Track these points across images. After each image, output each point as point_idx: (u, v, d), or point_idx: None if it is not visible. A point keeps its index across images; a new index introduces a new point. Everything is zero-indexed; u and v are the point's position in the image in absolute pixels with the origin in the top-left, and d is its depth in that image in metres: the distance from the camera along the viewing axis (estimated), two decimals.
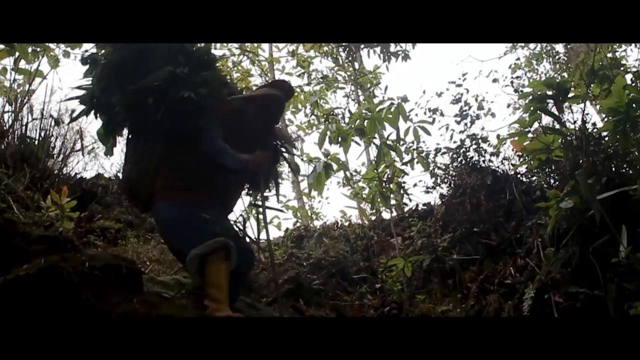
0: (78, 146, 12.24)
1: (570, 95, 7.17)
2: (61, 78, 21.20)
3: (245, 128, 5.78)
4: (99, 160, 14.45)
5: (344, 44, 17.19)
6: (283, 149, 6.81)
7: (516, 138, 7.87)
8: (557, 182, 7.95)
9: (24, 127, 11.24)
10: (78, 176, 12.27)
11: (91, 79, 5.80)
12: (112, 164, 23.02)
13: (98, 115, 5.80)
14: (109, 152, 6.23)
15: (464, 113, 10.48)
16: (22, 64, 10.72)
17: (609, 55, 10.80)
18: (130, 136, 5.92)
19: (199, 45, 5.76)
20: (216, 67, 6.03)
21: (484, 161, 10.00)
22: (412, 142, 10.97)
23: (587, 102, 7.82)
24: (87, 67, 5.88)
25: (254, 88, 6.94)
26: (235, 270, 5.42)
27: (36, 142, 11.25)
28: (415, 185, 11.82)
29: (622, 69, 9.59)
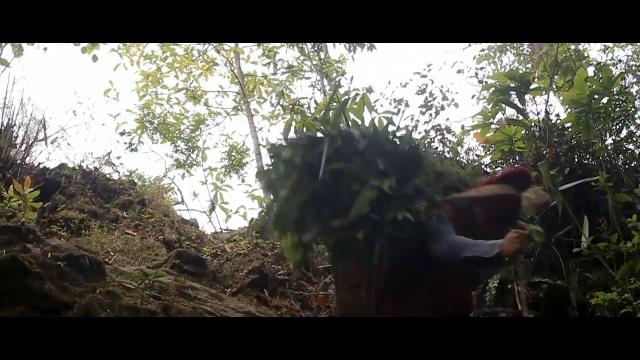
0: (41, 136, 12.12)
1: (533, 87, 7.23)
2: (24, 67, 21.02)
3: (472, 231, 4.39)
4: (63, 150, 14.35)
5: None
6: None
7: (479, 130, 7.92)
8: None
9: None
10: (41, 166, 12.15)
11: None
12: (76, 155, 22.89)
13: (282, 230, 4.92)
14: (297, 272, 5.54)
15: (429, 104, 10.53)
16: None
17: (572, 47, 10.91)
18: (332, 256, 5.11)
19: (397, 136, 4.79)
20: (425, 157, 4.80)
21: (449, 152, 10.05)
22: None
23: (552, 94, 7.89)
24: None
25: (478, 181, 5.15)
26: None
27: None
28: None
29: (584, 61, 9.69)
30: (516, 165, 8.11)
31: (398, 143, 4.75)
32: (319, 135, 4.88)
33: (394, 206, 4.31)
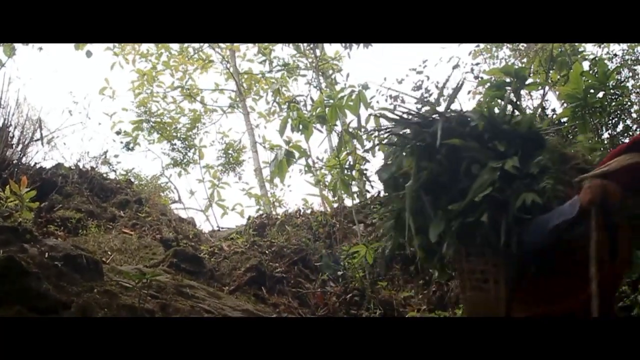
0: (37, 136, 12.11)
1: (529, 82, 7.24)
2: (19, 67, 21.00)
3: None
4: (59, 150, 14.32)
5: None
6: None
7: None
8: None
9: None
10: (38, 166, 12.14)
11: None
12: (72, 154, 22.85)
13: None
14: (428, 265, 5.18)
15: (425, 100, 10.53)
16: None
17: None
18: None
19: (513, 116, 4.60)
20: (548, 138, 4.55)
21: None
22: (374, 130, 10.99)
23: (548, 88, 7.89)
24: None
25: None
26: None
27: None
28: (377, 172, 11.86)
29: (579, 56, 9.70)
30: None
31: (517, 126, 4.51)
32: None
33: (517, 186, 4.09)
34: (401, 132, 4.76)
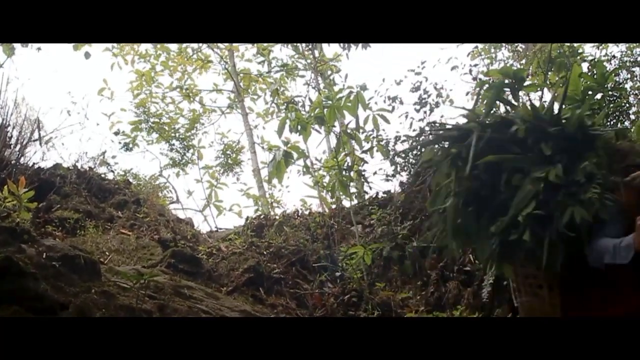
0: (35, 136, 12.10)
1: (527, 83, 7.23)
2: (17, 67, 20.96)
3: None
4: (57, 150, 14.30)
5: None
6: None
7: None
8: None
9: None
10: (36, 166, 12.12)
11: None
12: (70, 154, 22.83)
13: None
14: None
15: (423, 101, 10.54)
16: None
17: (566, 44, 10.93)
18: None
19: (560, 116, 4.32)
20: (599, 138, 4.20)
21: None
22: (372, 131, 11.00)
23: (546, 90, 7.89)
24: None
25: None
26: None
27: None
28: (375, 173, 11.92)
29: (578, 57, 9.70)
30: None
31: (564, 126, 4.22)
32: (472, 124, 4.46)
33: (562, 197, 3.81)
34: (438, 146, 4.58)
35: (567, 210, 3.72)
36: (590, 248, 3.70)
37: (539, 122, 4.23)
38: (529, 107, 4.47)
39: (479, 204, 4.19)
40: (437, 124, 4.59)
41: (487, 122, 4.42)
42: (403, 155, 10.69)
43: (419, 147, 4.56)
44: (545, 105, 4.56)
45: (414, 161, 10.48)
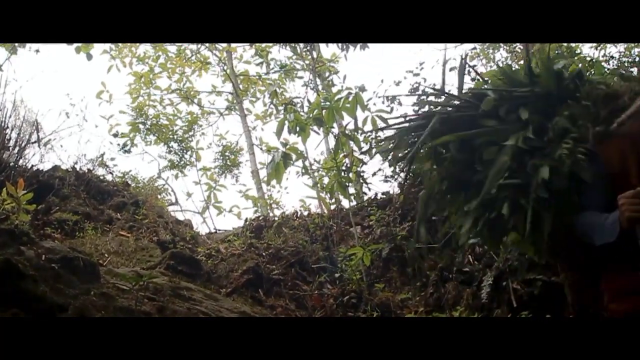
0: (34, 138, 12.10)
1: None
2: (16, 69, 20.99)
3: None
4: (56, 152, 14.30)
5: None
6: None
7: None
8: None
9: None
10: (34, 168, 12.13)
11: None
12: (69, 156, 22.85)
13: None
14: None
15: (422, 102, 10.54)
16: None
17: (564, 44, 10.92)
18: None
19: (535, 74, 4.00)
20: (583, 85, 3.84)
21: None
22: (371, 132, 10.98)
23: None
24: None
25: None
26: None
27: None
28: (374, 174, 11.87)
29: (576, 58, 9.69)
30: None
31: (539, 80, 3.88)
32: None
33: (536, 161, 3.48)
34: (404, 138, 4.37)
35: (538, 172, 3.42)
36: (578, 222, 3.33)
37: (512, 87, 3.95)
38: (500, 74, 4.22)
39: (460, 188, 4.01)
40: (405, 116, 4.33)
41: (455, 102, 4.19)
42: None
43: (393, 144, 4.21)
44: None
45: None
